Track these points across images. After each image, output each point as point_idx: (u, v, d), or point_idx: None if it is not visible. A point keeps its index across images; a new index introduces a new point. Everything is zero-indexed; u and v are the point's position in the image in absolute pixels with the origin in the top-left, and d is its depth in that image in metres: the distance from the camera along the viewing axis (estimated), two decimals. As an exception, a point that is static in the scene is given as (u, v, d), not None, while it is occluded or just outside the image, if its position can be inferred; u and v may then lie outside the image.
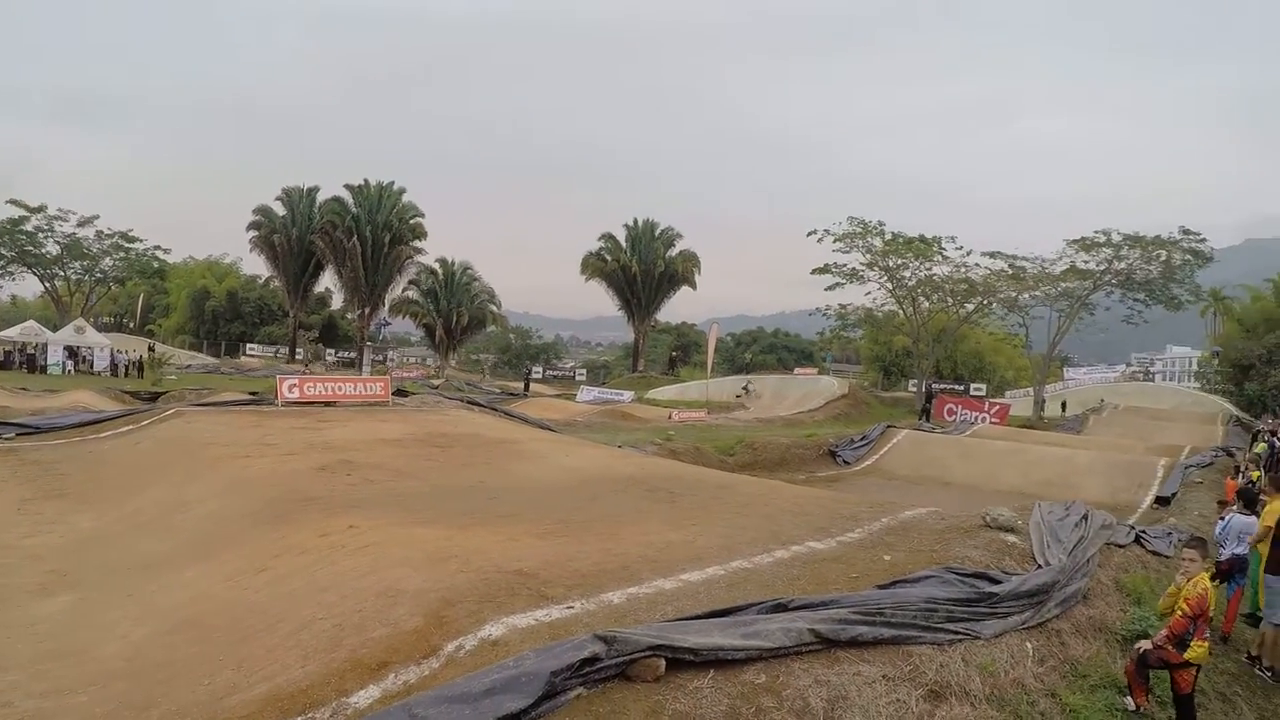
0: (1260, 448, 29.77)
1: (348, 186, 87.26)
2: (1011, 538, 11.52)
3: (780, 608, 7.46)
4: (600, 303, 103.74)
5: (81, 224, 76.48)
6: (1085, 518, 12.92)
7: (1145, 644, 8.48)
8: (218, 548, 11.20)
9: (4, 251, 74.77)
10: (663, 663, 6.07)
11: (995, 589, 8.92)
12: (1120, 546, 12.91)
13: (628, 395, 67.35)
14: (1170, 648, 8.28)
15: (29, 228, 74.13)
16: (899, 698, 6.77)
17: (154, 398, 36.99)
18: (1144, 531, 14.36)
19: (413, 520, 11.59)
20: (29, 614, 9.12)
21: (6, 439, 20.57)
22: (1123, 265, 57.47)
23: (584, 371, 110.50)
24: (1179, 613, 8.32)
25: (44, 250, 76.25)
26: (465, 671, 5.92)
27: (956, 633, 7.98)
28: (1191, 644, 8.22)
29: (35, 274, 78.60)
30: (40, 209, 73.86)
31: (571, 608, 7.38)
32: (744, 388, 71.22)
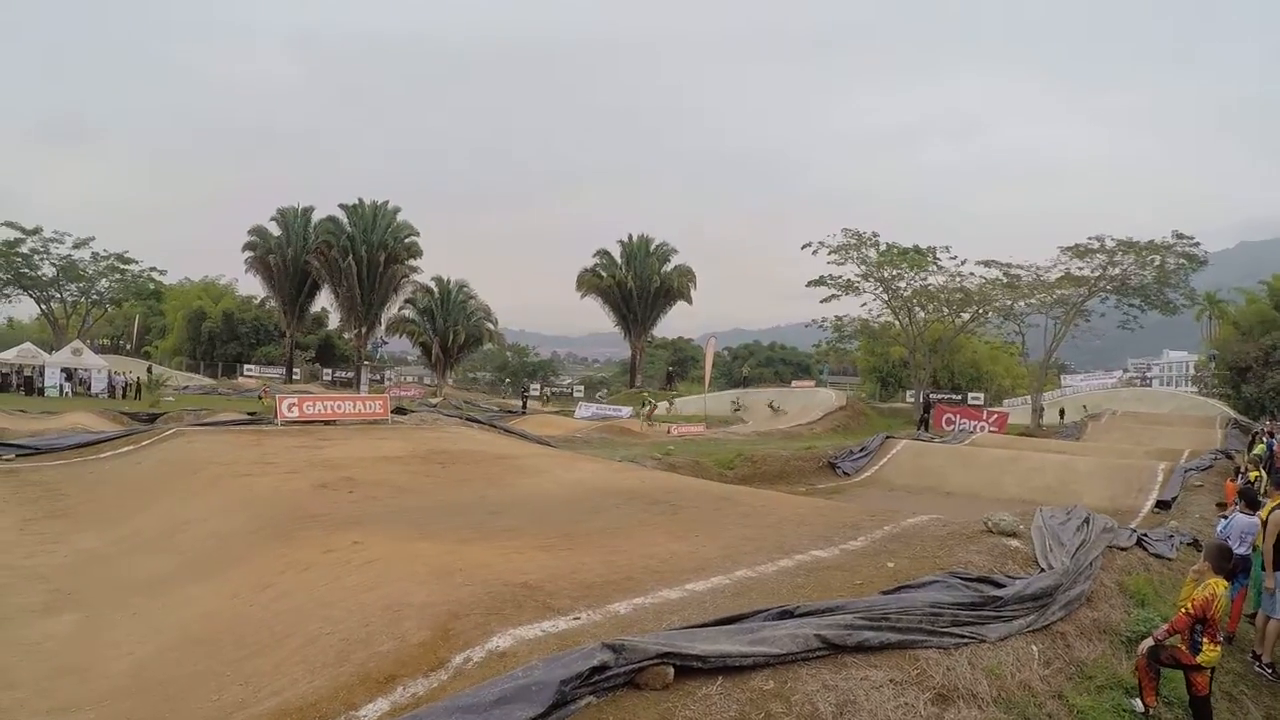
0: (1259, 449, 29.80)
1: (342, 206, 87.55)
2: (1014, 542, 11.54)
3: (786, 614, 7.47)
4: (596, 319, 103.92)
5: (77, 246, 76.68)
6: (1087, 521, 12.95)
7: (1148, 641, 8.49)
8: (221, 565, 11.21)
9: (0, 274, 74.82)
10: (671, 670, 6.08)
11: (999, 593, 8.93)
12: (1122, 549, 12.93)
13: (626, 411, 67.38)
14: (1182, 646, 8.29)
15: (25, 250, 74.23)
16: (907, 701, 6.78)
17: (152, 418, 37.00)
18: (1146, 535, 14.38)
19: (416, 535, 11.61)
20: (34, 633, 9.12)
21: (7, 460, 20.61)
22: (1117, 271, 57.56)
23: (581, 388, 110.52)
24: (1182, 610, 8.34)
25: (40, 272, 76.40)
26: (474, 683, 5.92)
27: (962, 636, 7.99)
28: (1203, 647, 8.24)
29: (31, 296, 78.73)
30: (36, 231, 74.00)
31: (578, 618, 7.38)
32: (733, 403, 70.91)
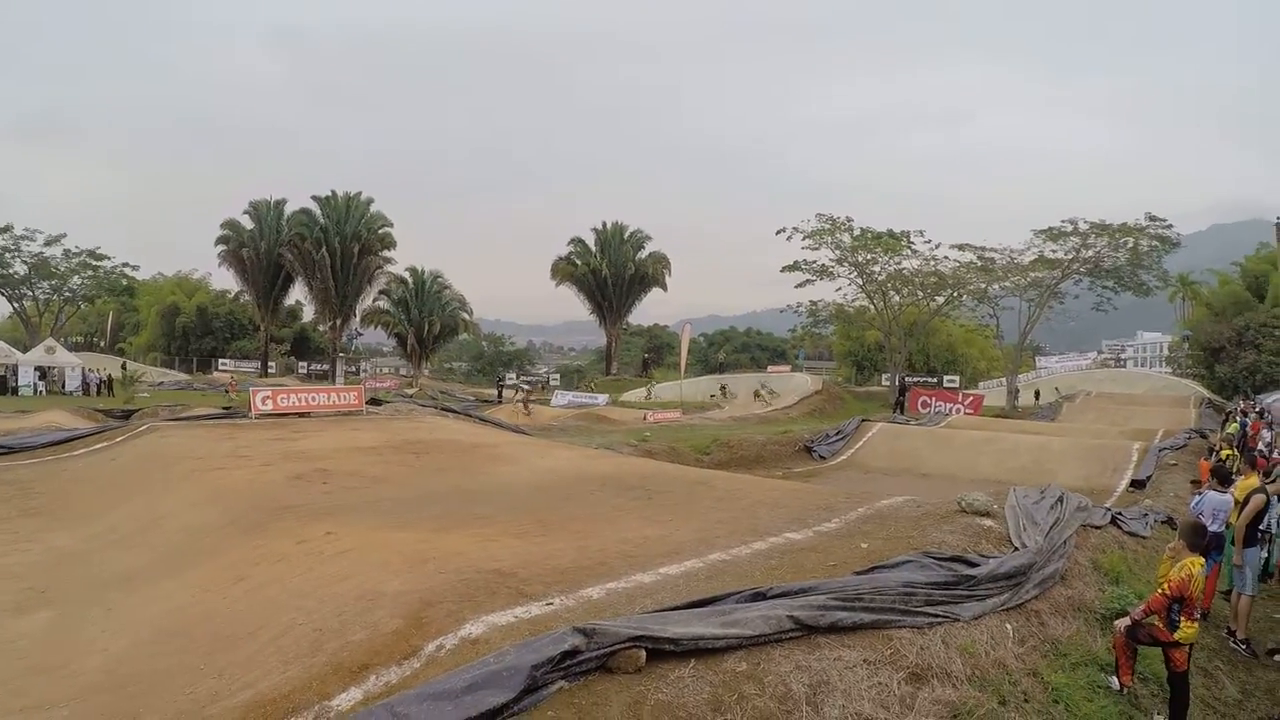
0: (1232, 428, 30.04)
1: (315, 198, 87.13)
2: (988, 522, 11.58)
3: (759, 596, 7.47)
4: (571, 308, 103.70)
5: (49, 243, 75.96)
6: (1060, 500, 13.01)
7: (1125, 620, 8.53)
8: (195, 559, 11.16)
9: (-30, 273, 74.34)
10: (644, 654, 6.08)
11: (973, 572, 8.95)
12: (1097, 528, 13.00)
13: (602, 398, 67.34)
14: (1159, 624, 8.32)
15: (-4, 248, 73.68)
16: (881, 681, 6.79)
17: (127, 415, 36.75)
18: (1120, 513, 14.46)
19: (390, 525, 11.61)
20: (7, 631, 9.07)
21: (-21, 460, 20.49)
22: (1090, 253, 57.59)
23: (558, 377, 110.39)
24: (1159, 590, 8.36)
25: (11, 270, 75.68)
26: (446, 670, 5.91)
27: (936, 616, 8.01)
28: (1180, 624, 8.27)
29: (3, 294, 78.05)
30: (6, 229, 73.31)
31: (551, 604, 7.38)
32: (720, 388, 70.69)
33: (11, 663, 8.10)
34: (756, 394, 64.41)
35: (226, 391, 59.07)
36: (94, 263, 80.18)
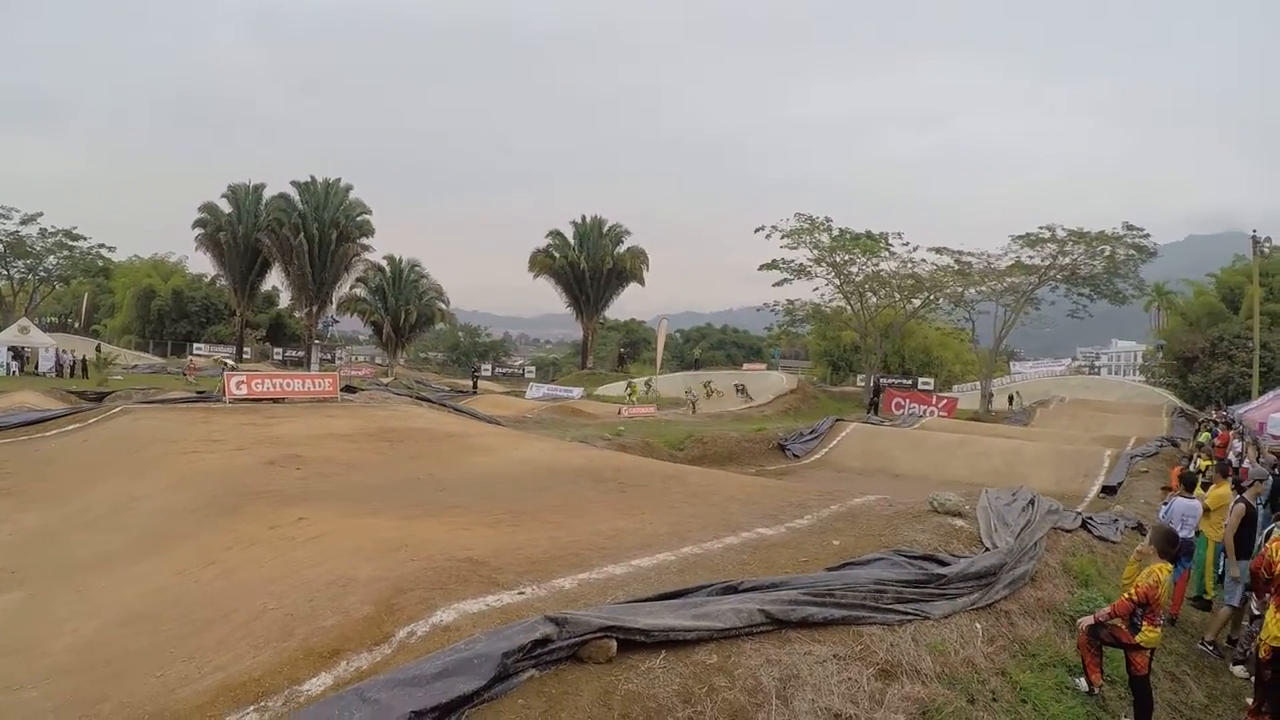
0: (1204, 436, 30.24)
1: (294, 183, 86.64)
2: (959, 522, 11.63)
3: (731, 590, 7.50)
4: (548, 300, 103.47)
5: (25, 222, 75.23)
6: (1032, 503, 13.07)
7: (1088, 619, 8.59)
8: (167, 542, 11.14)
9: (-55, 251, 73.72)
10: (614, 644, 6.10)
11: (944, 571, 9.00)
12: (1067, 531, 13.08)
13: (577, 392, 67.37)
14: (1121, 626, 8.38)
15: (-31, 226, 73.05)
16: (850, 676, 6.82)
17: (100, 397, 36.54)
18: (1091, 518, 14.56)
19: (363, 512, 11.60)
20: (-25, 612, 9.04)
21: (-50, 440, 20.35)
22: (1067, 260, 57.91)
23: (533, 369, 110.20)
24: (1126, 595, 8.42)
25: (-15, 249, 75.15)
26: (417, 656, 5.93)
27: (906, 613, 8.06)
28: (1143, 628, 8.33)
29: (-24, 273, 77.53)
30: (-19, 207, 72.78)
31: (523, 593, 7.39)
32: (705, 384, 70.18)
33: (-20, 643, 8.08)
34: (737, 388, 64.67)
35: (184, 375, 58.79)
36: (70, 243, 79.48)
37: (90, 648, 7.75)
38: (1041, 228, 57.24)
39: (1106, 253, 56.81)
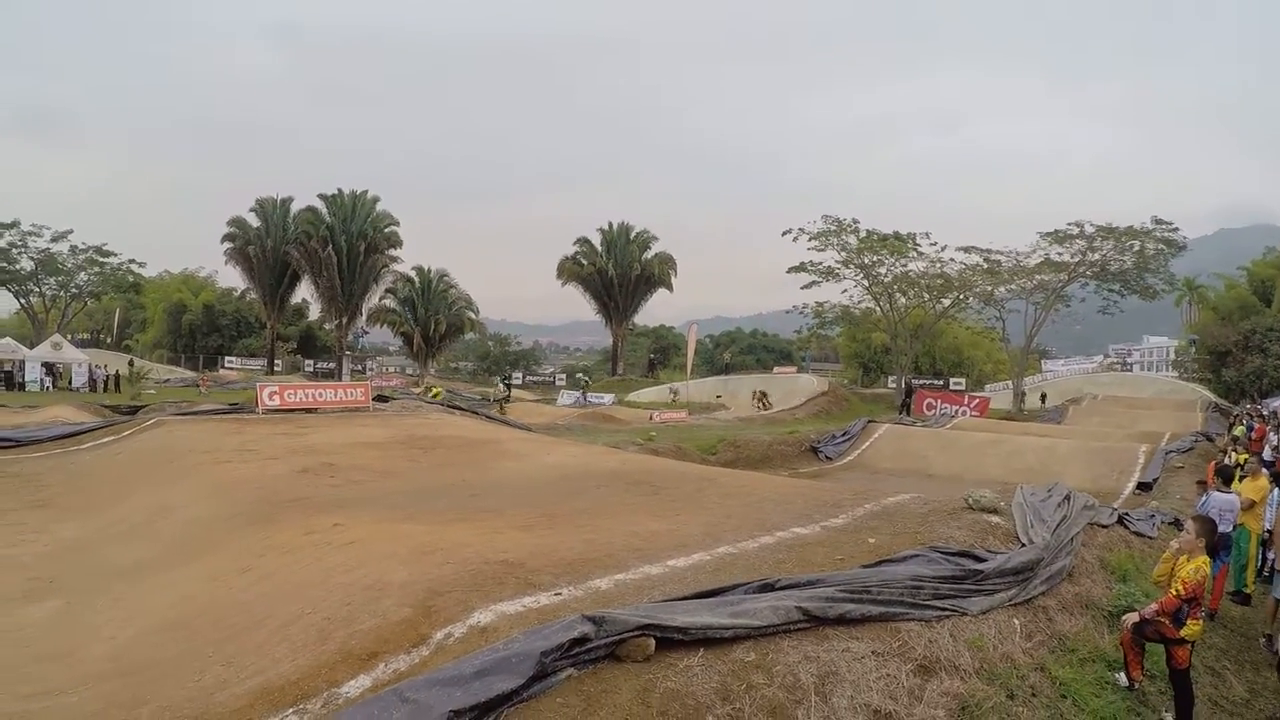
0: (1239, 430, 30.03)
1: (321, 196, 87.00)
2: (995, 518, 11.57)
3: (768, 587, 7.48)
4: (577, 307, 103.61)
5: (55, 239, 75.82)
6: (1068, 499, 12.98)
7: (1133, 616, 8.52)
8: (203, 550, 11.19)
9: (-23, 269, 74.28)
10: (652, 642, 6.08)
11: (980, 567, 8.95)
12: (1104, 527, 12.98)
13: (608, 398, 67.40)
14: (1166, 622, 8.31)
15: (2, 243, 73.57)
16: (889, 672, 6.79)
17: (133, 411, 36.73)
18: (1127, 513, 14.46)
19: (397, 517, 11.61)
20: (15, 619, 9.10)
21: (-13, 452, 20.55)
22: (1097, 256, 57.63)
23: (563, 376, 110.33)
24: (1173, 592, 8.34)
25: (18, 266, 75.57)
26: (455, 657, 5.92)
27: (943, 609, 8.01)
28: (1186, 622, 8.27)
29: (10, 290, 77.94)
30: (13, 224, 73.28)
31: (559, 594, 7.37)
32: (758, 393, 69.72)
33: (19, 650, 8.12)
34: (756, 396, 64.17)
35: (198, 386, 59.21)
36: (100, 259, 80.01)
37: (128, 653, 7.79)
38: (1070, 224, 57.03)
39: (1136, 248, 56.48)
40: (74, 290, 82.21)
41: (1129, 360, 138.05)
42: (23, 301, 79.97)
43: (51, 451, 21.11)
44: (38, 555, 12.09)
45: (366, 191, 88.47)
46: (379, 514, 11.87)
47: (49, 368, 58.48)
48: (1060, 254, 58.54)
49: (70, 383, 58.46)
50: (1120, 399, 58.56)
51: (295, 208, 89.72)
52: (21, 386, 54.88)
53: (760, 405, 60.30)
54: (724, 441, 30.20)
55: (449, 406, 34.80)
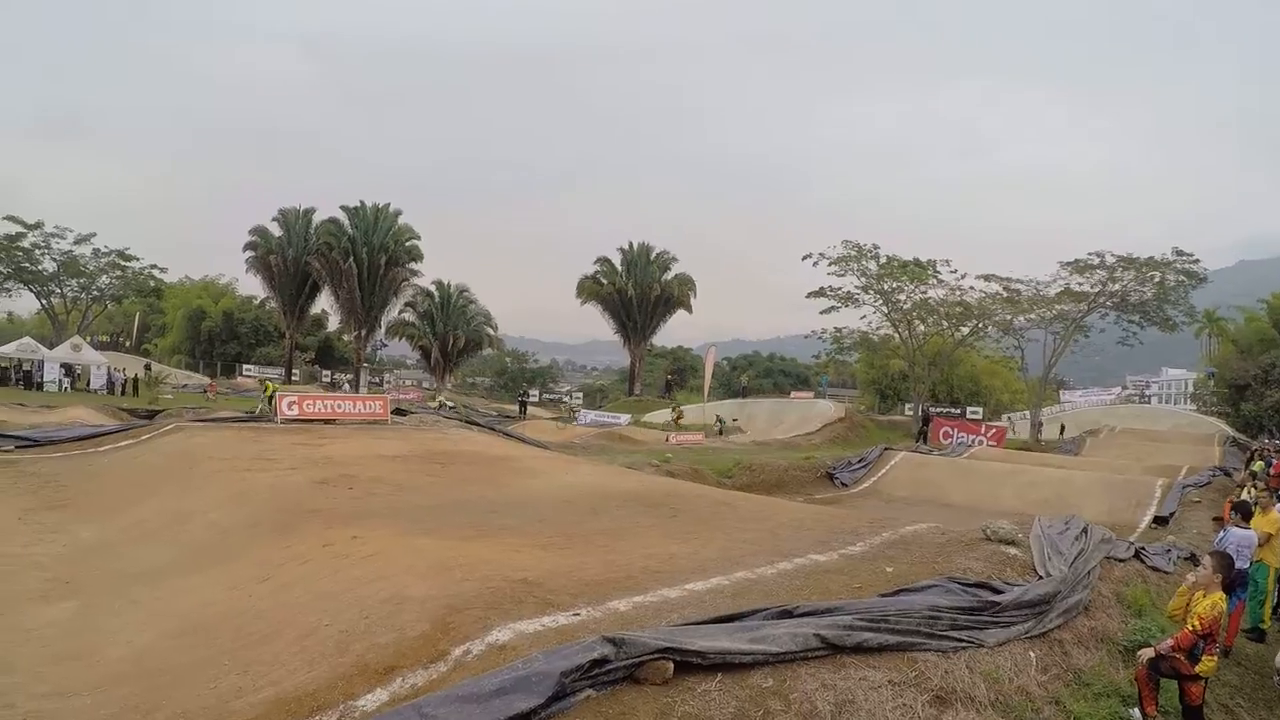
0: (1258, 465, 29.85)
1: (344, 208, 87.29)
2: (1012, 550, 11.55)
3: (786, 614, 7.48)
4: (595, 326, 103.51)
5: (78, 241, 76.15)
6: (1085, 531, 12.95)
7: (1149, 651, 8.50)
8: (221, 557, 11.25)
9: (0, 268, 74.61)
10: (671, 665, 6.08)
11: (998, 598, 8.94)
12: (1120, 561, 12.94)
13: (625, 418, 67.34)
14: (1181, 658, 8.29)
15: (26, 244, 73.97)
16: (905, 702, 6.78)
17: (151, 415, 36.90)
18: (1144, 548, 14.41)
19: (415, 531, 11.63)
20: (32, 619, 9.17)
21: (5, 451, 20.68)
22: (1117, 287, 57.40)
23: (580, 395, 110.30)
24: (1189, 627, 8.32)
25: (40, 267, 75.98)
26: (473, 674, 5.94)
27: (960, 640, 8.00)
28: (1201, 658, 8.26)
29: (31, 291, 78.33)
30: (37, 225, 73.68)
31: (578, 614, 7.38)
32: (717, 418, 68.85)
33: (36, 650, 8.20)
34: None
35: (205, 393, 59.50)
36: (123, 263, 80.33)
37: (144, 657, 7.85)
38: (1090, 254, 56.85)
39: (1156, 279, 56.22)
40: (95, 293, 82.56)
41: (1147, 392, 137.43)
42: (44, 302, 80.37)
43: (70, 453, 21.21)
44: (56, 556, 12.18)
45: (389, 205, 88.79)
46: (397, 528, 11.90)
47: (68, 369, 58.78)
48: (1080, 284, 58.32)
49: (88, 384, 58.74)
50: (1137, 431, 58.18)
51: (317, 219, 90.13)
52: (40, 386, 55.16)
53: (676, 419, 60.42)
54: (740, 465, 30.20)
55: (467, 422, 34.83)
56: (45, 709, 6.79)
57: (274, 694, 6.34)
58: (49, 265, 76.25)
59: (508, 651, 6.39)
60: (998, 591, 9.19)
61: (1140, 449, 48.75)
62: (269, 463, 18.26)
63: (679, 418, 61.61)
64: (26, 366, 57.67)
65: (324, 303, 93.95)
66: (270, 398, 39.18)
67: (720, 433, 59.95)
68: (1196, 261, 55.65)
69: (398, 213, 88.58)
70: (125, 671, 7.53)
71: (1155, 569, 13.64)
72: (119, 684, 7.22)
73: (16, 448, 21.15)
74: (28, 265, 74.87)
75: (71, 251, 76.27)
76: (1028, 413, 66.21)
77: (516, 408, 73.55)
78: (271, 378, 56.92)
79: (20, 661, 7.87)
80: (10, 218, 72.93)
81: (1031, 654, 8.55)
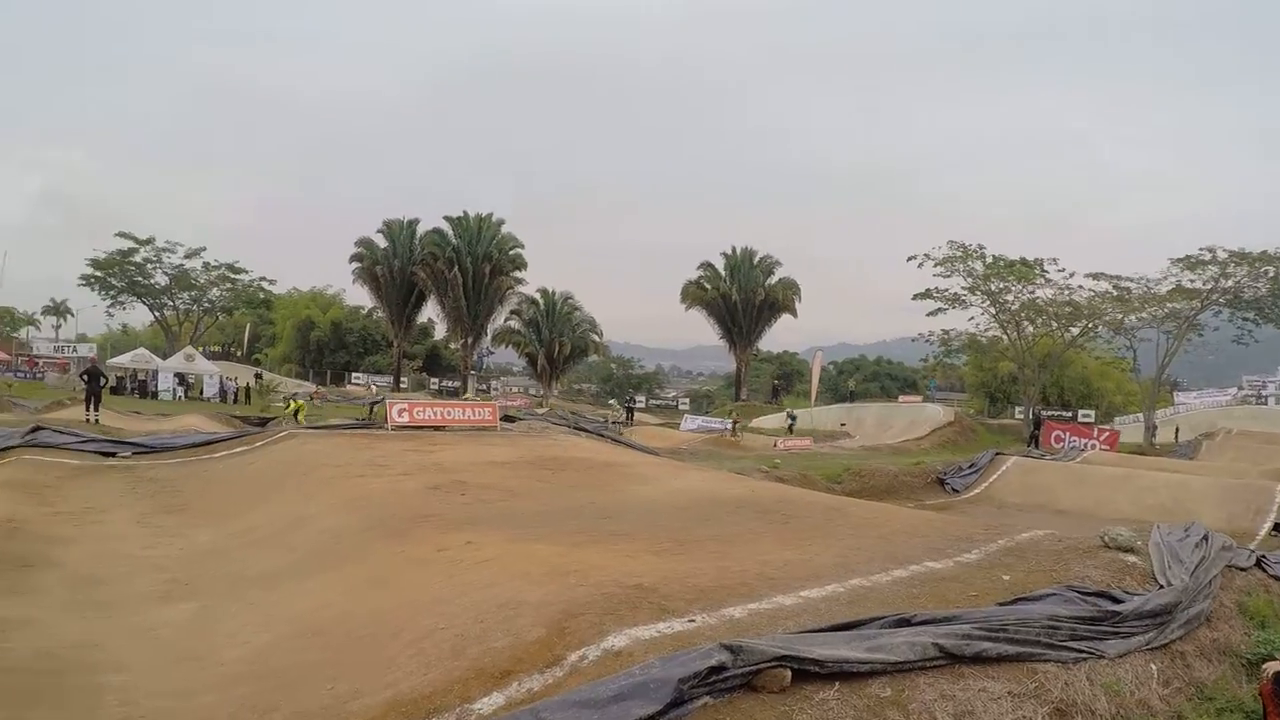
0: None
1: (447, 218, 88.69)
2: (1131, 558, 11.31)
3: (904, 622, 7.39)
4: (699, 332, 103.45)
5: (189, 255, 78.23)
6: (1205, 539, 12.63)
7: (1274, 665, 8.27)
8: (337, 561, 11.40)
9: (115, 282, 76.80)
10: (789, 673, 6.03)
11: (1118, 608, 8.75)
12: (1242, 570, 12.59)
13: (726, 423, 67.28)
14: None
15: (138, 259, 76.05)
16: (1025, 715, 6.67)
17: (263, 422, 37.62)
18: (1264, 556, 14.02)
19: (528, 537, 11.67)
20: (151, 619, 9.38)
21: (123, 457, 21.15)
22: (1230, 283, 56.07)
23: (686, 401, 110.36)
24: None
25: (153, 281, 78.11)
26: (589, 680, 5.94)
27: (1080, 651, 7.84)
28: None
29: (145, 304, 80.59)
30: (149, 241, 75.82)
31: (693, 621, 7.35)
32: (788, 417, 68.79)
33: (156, 650, 8.39)
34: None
35: (312, 399, 60.77)
36: (232, 276, 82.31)
37: (261, 658, 7.98)
38: (1202, 249, 55.57)
39: (1271, 274, 54.84)
40: (206, 305, 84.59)
41: (1264, 393, 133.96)
42: (157, 314, 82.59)
43: (186, 459, 21.65)
44: (173, 558, 12.47)
45: (491, 214, 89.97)
46: (510, 533, 11.95)
47: (181, 378, 60.36)
48: (1192, 280, 57.09)
49: (201, 393, 60.21)
50: (1255, 434, 56.59)
51: (421, 229, 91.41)
52: (155, 395, 56.68)
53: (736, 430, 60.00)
54: (849, 471, 29.95)
55: (575, 428, 34.97)
56: (166, 707, 6.94)
57: (390, 696, 6.41)
58: (161, 279, 78.31)
59: (623, 657, 6.38)
60: (1118, 601, 9.00)
61: (1258, 452, 47.51)
62: (381, 469, 18.47)
63: (735, 422, 61.60)
64: (142, 376, 59.32)
65: (430, 311, 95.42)
66: (295, 414, 39.74)
67: (790, 430, 59.70)
68: (1314, 254, 54.18)
69: (500, 222, 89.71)
70: (243, 672, 7.66)
71: (1277, 578, 13.28)
72: (238, 684, 7.35)
73: (133, 454, 21.64)
74: (140, 279, 76.98)
75: (182, 265, 78.25)
76: (1140, 416, 64.93)
77: (622, 413, 73.74)
78: (298, 395, 57.94)
79: (141, 660, 8.05)
80: (122, 234, 75.12)
81: (1153, 666, 8.36)
